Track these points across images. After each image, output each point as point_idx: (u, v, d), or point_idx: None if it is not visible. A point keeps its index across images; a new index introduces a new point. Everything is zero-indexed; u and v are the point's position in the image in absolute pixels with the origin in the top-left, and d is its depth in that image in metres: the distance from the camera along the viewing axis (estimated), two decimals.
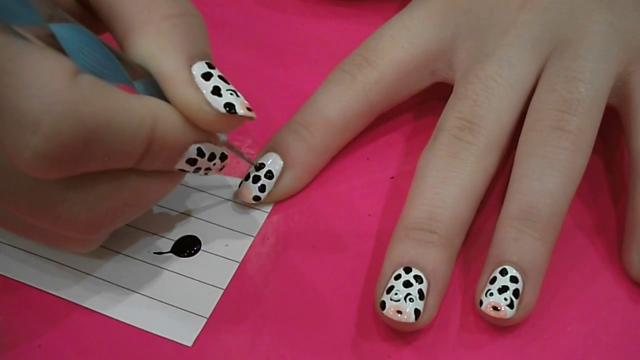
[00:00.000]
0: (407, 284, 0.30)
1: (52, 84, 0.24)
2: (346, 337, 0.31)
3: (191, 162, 0.29)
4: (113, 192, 0.28)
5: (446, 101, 0.34)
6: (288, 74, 0.40)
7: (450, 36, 0.35)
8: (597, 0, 0.34)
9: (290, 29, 0.42)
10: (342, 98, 0.35)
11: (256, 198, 0.34)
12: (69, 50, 0.26)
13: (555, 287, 0.32)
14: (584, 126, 0.32)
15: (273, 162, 0.34)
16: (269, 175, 0.34)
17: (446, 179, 0.31)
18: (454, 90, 0.34)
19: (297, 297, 0.32)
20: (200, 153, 0.29)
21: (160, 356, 0.30)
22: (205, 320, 0.31)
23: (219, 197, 0.35)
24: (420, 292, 0.29)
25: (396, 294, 0.29)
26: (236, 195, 0.35)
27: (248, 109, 0.29)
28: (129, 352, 0.30)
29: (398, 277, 0.30)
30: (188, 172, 0.30)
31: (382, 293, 0.30)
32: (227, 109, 0.28)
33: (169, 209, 0.34)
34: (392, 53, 0.35)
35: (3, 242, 0.33)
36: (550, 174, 0.31)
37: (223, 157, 0.31)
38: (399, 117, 0.38)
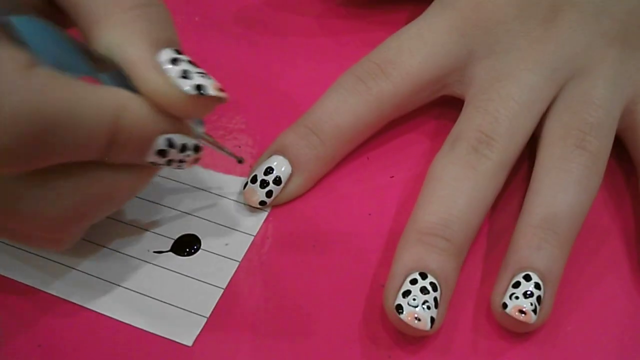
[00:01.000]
0: (424, 291, 0.30)
1: (8, 75, 0.24)
2: (346, 336, 0.31)
3: (162, 153, 0.28)
4: (78, 187, 0.27)
5: (447, 106, 0.34)
6: (290, 75, 0.40)
7: (466, 53, 0.35)
8: (612, 39, 0.35)
9: (293, 29, 0.42)
10: (355, 109, 0.34)
11: (262, 203, 0.34)
12: (28, 42, 0.25)
13: (564, 292, 0.32)
14: (603, 149, 0.33)
15: (281, 167, 0.34)
16: (277, 181, 0.34)
17: (464, 189, 0.32)
18: (471, 103, 0.34)
19: (297, 297, 0.32)
20: (171, 144, 0.28)
21: (160, 356, 0.30)
22: (205, 319, 0.31)
23: (219, 195, 0.35)
24: (435, 300, 0.30)
25: (414, 299, 0.29)
26: (241, 197, 0.34)
27: (220, 89, 0.28)
28: (129, 352, 0.30)
29: (414, 281, 0.30)
30: (160, 165, 0.29)
31: (396, 295, 0.30)
32: (197, 90, 0.27)
33: (169, 208, 0.34)
34: (409, 67, 0.35)
35: (3, 242, 0.33)
36: (573, 189, 0.32)
37: (197, 149, 0.30)
38: (400, 118, 0.37)
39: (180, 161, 0.29)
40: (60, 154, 0.26)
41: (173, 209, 0.34)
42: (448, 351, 0.30)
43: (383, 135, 0.37)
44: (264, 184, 0.34)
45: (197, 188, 0.35)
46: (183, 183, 0.35)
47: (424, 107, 0.37)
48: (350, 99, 0.34)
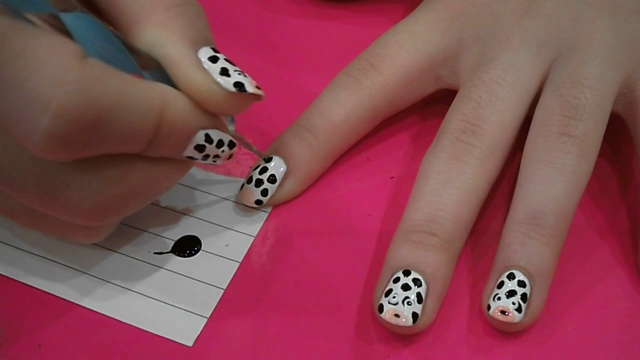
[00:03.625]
0: (405, 287, 0.30)
1: (63, 64, 0.24)
2: (346, 337, 0.31)
3: (199, 148, 0.29)
4: (120, 177, 0.28)
5: (448, 103, 0.34)
6: (290, 75, 0.40)
7: (455, 42, 0.35)
8: (601, 8, 0.34)
9: (291, 30, 0.42)
10: (347, 102, 0.35)
11: (258, 202, 0.34)
12: (77, 39, 0.26)
13: (560, 290, 0.32)
14: (590, 131, 0.32)
15: (276, 166, 0.34)
16: (272, 179, 0.34)
17: (448, 181, 0.31)
18: (458, 93, 0.34)
19: (297, 297, 0.32)
20: (209, 139, 0.29)
21: (160, 356, 0.30)
22: (206, 320, 0.31)
23: (219, 197, 0.35)
24: (418, 295, 0.29)
25: (394, 297, 0.29)
26: (238, 197, 0.35)
27: (257, 87, 0.29)
28: (129, 352, 0.30)
29: (397, 280, 0.30)
30: (196, 159, 0.30)
31: (381, 296, 0.30)
32: (237, 87, 0.28)
33: (169, 208, 0.34)
34: (398, 59, 0.35)
35: (3, 242, 0.33)
36: (556, 179, 0.31)
37: (231, 145, 0.31)
38: (400, 118, 0.38)
39: (216, 156, 0.30)
40: (109, 144, 0.26)
41: (173, 210, 0.34)
42: (449, 351, 0.30)
43: (383, 135, 0.37)
44: (259, 183, 0.34)
45: (198, 190, 0.35)
46: (183, 185, 0.35)
47: (424, 106, 0.37)
48: (342, 95, 0.35)
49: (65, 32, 0.26)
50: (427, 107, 0.38)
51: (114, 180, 0.28)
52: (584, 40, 0.33)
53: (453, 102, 0.34)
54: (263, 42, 0.42)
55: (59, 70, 0.24)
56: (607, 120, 0.33)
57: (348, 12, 0.43)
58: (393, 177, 0.36)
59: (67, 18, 0.26)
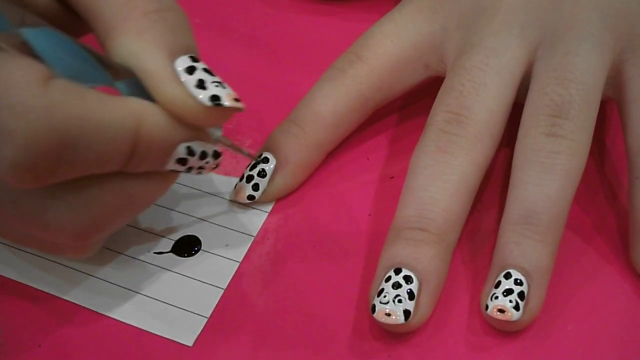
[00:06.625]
0: (396, 286, 0.30)
1: (24, 92, 0.23)
2: (346, 336, 0.31)
3: (182, 161, 0.28)
4: (100, 197, 0.27)
5: None
6: (287, 74, 0.40)
7: (440, 29, 0.35)
8: None
9: (288, 29, 0.42)
10: (332, 93, 0.35)
11: (250, 197, 0.34)
12: (42, 55, 0.25)
13: (557, 288, 0.32)
14: (578, 128, 0.31)
15: (265, 160, 0.34)
16: (262, 173, 0.34)
17: (435, 175, 0.31)
18: (442, 84, 0.34)
19: (297, 297, 0.32)
20: (190, 152, 0.28)
21: (160, 356, 0.30)
22: (206, 320, 0.31)
23: (219, 197, 0.35)
24: (410, 292, 0.29)
25: (385, 296, 0.29)
26: (232, 196, 0.35)
27: (235, 99, 0.28)
28: (129, 352, 0.30)
29: (388, 279, 0.30)
30: (180, 172, 0.29)
31: (374, 296, 0.30)
32: (213, 101, 0.27)
33: (169, 209, 0.34)
34: (382, 47, 0.35)
35: (4, 243, 0.33)
36: (547, 178, 0.31)
37: (216, 155, 0.30)
38: (400, 117, 0.38)
39: (200, 168, 0.30)
40: (81, 168, 0.26)
41: (173, 210, 0.34)
42: (449, 350, 0.30)
43: (383, 136, 0.37)
44: (249, 178, 0.34)
45: (198, 190, 0.35)
46: (183, 185, 0.35)
47: (425, 107, 0.37)
48: (328, 87, 0.35)
49: (28, 50, 0.25)
50: (428, 103, 0.38)
51: (94, 200, 0.27)
52: (568, 23, 0.33)
53: (438, 93, 0.34)
54: (259, 40, 0.42)
55: (19, 98, 0.23)
56: (597, 110, 0.32)
57: (345, 8, 0.43)
58: (393, 177, 0.36)
59: (29, 34, 0.25)
